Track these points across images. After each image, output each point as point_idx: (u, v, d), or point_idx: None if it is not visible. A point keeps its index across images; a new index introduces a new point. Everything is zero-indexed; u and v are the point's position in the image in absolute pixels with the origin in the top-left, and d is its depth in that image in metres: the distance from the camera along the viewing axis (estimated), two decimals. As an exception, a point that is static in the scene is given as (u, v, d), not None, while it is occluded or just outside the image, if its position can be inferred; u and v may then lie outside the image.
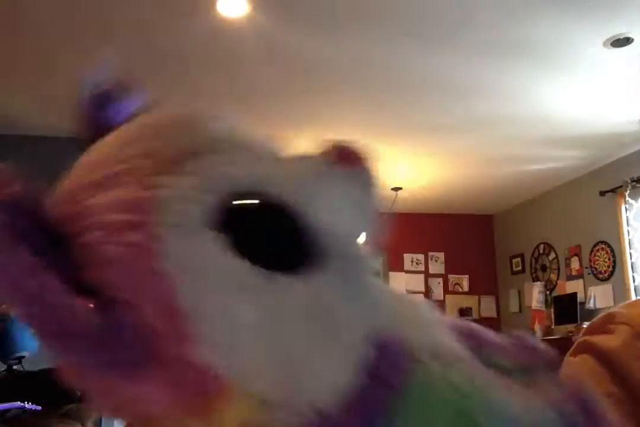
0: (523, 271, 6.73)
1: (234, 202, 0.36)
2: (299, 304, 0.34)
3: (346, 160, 0.42)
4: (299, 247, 0.37)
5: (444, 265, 7.46)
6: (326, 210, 0.38)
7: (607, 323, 0.60)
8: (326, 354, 0.33)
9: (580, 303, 5.48)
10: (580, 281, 5.65)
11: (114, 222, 0.34)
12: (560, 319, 5.74)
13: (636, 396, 0.54)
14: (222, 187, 0.37)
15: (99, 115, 0.43)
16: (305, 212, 0.38)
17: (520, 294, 6.75)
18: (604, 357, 0.57)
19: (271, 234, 0.37)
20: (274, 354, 0.32)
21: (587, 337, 0.60)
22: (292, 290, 0.35)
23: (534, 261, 6.53)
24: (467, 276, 7.22)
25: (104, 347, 0.33)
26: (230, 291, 0.33)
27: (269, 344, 0.33)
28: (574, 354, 0.58)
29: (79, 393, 3.33)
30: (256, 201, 0.37)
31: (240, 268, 0.34)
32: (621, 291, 4.93)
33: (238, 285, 0.33)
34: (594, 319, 0.63)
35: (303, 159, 0.41)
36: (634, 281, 4.91)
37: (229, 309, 0.33)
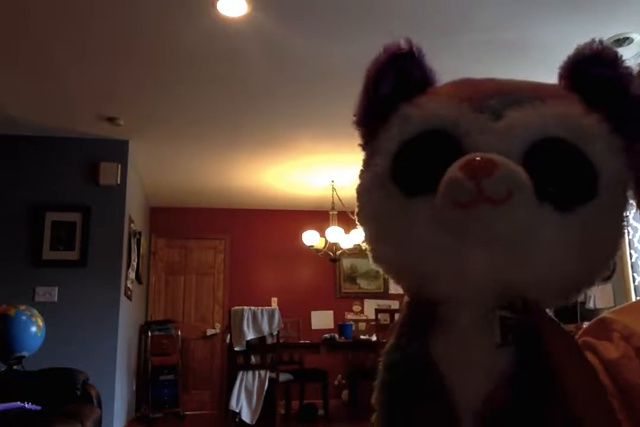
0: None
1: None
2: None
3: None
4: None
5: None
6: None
7: (603, 330, 0.60)
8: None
9: (581, 303, 5.48)
10: (580, 281, 5.64)
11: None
12: (560, 319, 5.63)
13: (627, 395, 0.55)
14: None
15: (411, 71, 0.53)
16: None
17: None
18: (603, 362, 0.57)
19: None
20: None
21: (589, 339, 0.61)
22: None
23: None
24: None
25: None
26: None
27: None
28: None
29: (78, 393, 3.33)
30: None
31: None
32: (621, 291, 4.93)
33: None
34: (588, 324, 0.63)
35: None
36: (634, 281, 4.91)
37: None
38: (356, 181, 0.55)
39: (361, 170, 0.53)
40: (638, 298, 4.79)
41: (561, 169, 0.45)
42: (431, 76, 0.53)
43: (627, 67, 0.50)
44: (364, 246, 0.53)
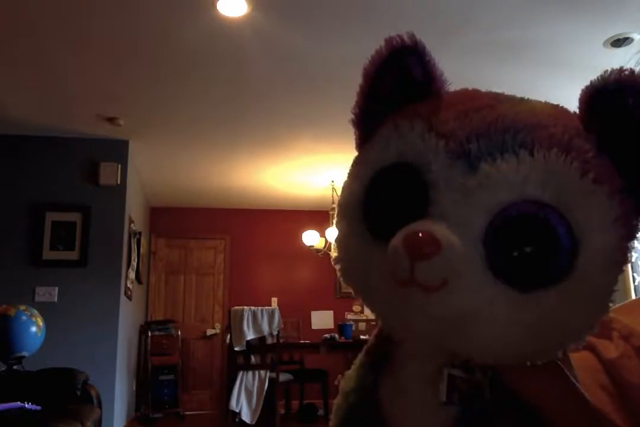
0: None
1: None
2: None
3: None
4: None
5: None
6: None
7: (602, 328, 0.60)
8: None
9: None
10: (580, 281, 5.65)
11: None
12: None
13: (626, 395, 0.55)
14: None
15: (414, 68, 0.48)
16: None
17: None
18: (603, 362, 0.57)
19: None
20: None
21: (588, 337, 0.61)
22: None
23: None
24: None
25: None
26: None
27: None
28: (575, 350, 0.58)
29: (78, 393, 3.33)
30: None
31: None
32: (621, 290, 4.93)
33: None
34: None
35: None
36: (634, 281, 4.91)
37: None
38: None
39: (345, 182, 0.49)
40: (638, 296, 4.79)
41: (530, 242, 0.38)
42: (436, 76, 0.48)
43: None
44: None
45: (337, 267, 0.48)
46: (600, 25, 3.26)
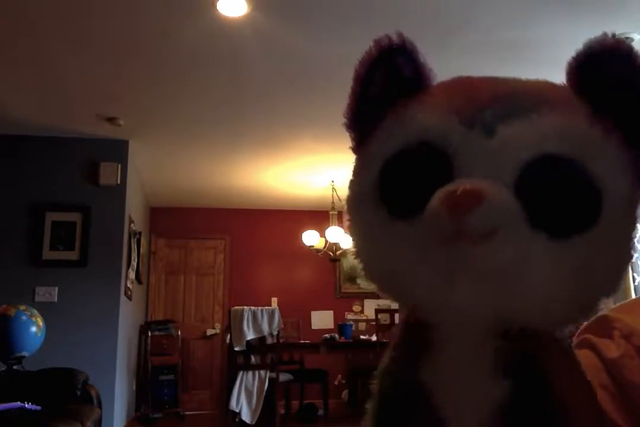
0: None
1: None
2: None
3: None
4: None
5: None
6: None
7: (603, 327, 0.60)
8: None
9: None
10: (580, 281, 5.65)
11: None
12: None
13: (627, 394, 0.55)
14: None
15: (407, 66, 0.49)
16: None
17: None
18: (604, 361, 0.57)
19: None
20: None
21: (589, 336, 0.61)
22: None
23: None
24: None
25: None
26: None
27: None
28: (576, 348, 0.58)
29: (78, 393, 3.32)
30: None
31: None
32: (621, 290, 4.94)
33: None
34: (589, 322, 0.63)
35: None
36: (634, 281, 4.91)
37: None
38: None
39: (351, 181, 0.50)
40: (639, 295, 4.79)
41: (558, 192, 0.40)
42: (426, 73, 0.49)
43: None
44: (356, 261, 0.51)
45: (359, 260, 0.48)
46: (600, 25, 3.26)
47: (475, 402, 0.44)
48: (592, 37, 0.47)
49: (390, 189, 0.44)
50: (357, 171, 0.49)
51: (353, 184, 0.49)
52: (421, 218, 0.40)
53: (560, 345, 0.45)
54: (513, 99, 0.45)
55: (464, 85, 0.48)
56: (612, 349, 0.58)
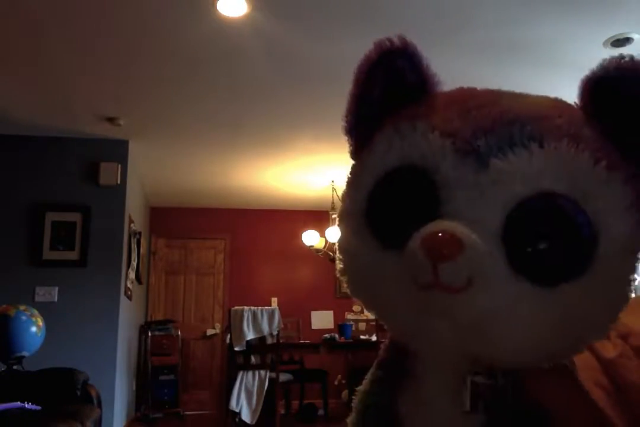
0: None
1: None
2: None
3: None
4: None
5: (444, 265, 7.46)
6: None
7: None
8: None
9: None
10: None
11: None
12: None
13: (624, 393, 0.55)
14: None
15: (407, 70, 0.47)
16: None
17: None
18: (601, 361, 0.57)
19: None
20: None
21: None
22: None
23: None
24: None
25: None
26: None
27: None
28: None
29: (78, 393, 3.32)
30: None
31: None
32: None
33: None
34: None
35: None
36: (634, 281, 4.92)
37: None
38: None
39: (344, 192, 0.48)
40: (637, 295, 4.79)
41: (549, 237, 0.37)
42: (429, 78, 0.47)
43: None
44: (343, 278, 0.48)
45: (344, 279, 0.46)
46: (600, 25, 3.26)
47: None
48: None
49: (378, 215, 0.42)
50: (350, 184, 0.48)
51: (345, 199, 0.48)
52: (402, 255, 0.38)
53: (551, 371, 0.43)
54: (515, 125, 0.40)
55: (466, 102, 0.44)
56: (609, 349, 0.58)
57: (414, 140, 0.42)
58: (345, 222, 0.47)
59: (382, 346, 0.53)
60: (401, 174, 0.42)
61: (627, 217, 0.39)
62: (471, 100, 0.44)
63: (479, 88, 0.48)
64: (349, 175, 0.49)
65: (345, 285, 0.47)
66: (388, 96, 0.46)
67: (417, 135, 0.42)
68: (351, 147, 0.50)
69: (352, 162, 0.50)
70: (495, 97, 0.45)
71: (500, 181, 0.38)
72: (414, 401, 0.44)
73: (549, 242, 0.37)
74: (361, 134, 0.48)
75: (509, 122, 0.40)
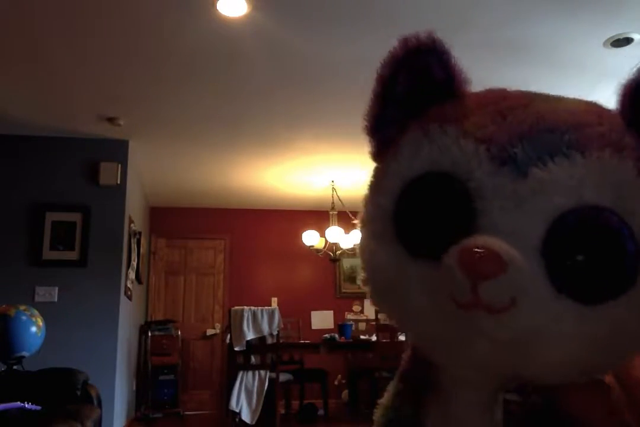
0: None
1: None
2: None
3: None
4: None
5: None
6: None
7: None
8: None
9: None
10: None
11: None
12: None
13: (631, 391, 0.55)
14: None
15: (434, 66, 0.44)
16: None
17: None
18: None
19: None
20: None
21: None
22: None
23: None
24: (467, 276, 7.23)
25: None
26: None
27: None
28: None
29: (78, 393, 3.32)
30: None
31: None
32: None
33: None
34: None
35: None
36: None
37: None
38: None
39: (367, 197, 0.45)
40: None
41: (592, 252, 0.35)
42: (457, 75, 0.45)
43: None
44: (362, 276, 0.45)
45: (367, 288, 0.44)
46: (600, 25, 3.26)
47: None
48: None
49: (406, 224, 0.40)
50: (374, 188, 0.45)
51: (368, 203, 0.45)
52: (437, 269, 0.36)
53: (588, 387, 0.41)
54: (554, 132, 0.38)
55: (498, 105, 0.42)
56: None
57: (444, 145, 0.40)
58: (368, 228, 0.45)
59: (403, 356, 0.50)
60: (431, 180, 0.39)
61: None
62: (503, 103, 0.42)
63: (509, 89, 0.46)
64: (372, 179, 0.46)
65: (366, 293, 0.45)
66: (414, 96, 0.44)
67: (448, 140, 0.40)
68: (373, 149, 0.47)
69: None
70: (528, 99, 0.43)
71: (540, 192, 0.36)
72: (442, 416, 0.42)
73: (592, 257, 0.35)
74: (384, 135, 0.46)
75: (547, 129, 0.38)
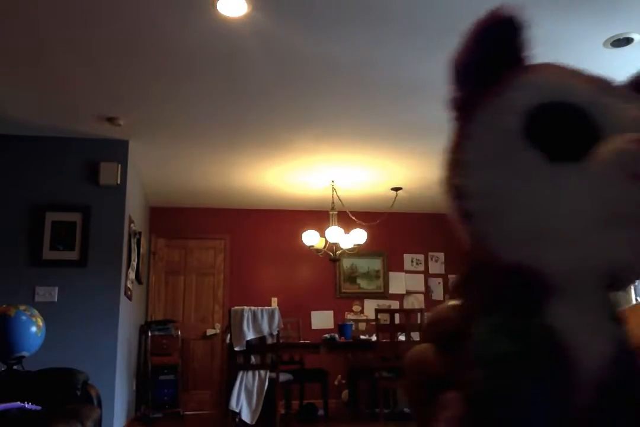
0: (523, 271, 6.72)
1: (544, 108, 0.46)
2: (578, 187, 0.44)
3: None
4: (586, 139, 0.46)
5: (444, 265, 7.45)
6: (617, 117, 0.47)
7: None
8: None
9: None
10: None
11: None
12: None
13: None
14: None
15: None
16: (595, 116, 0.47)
17: (520, 294, 6.74)
18: None
19: (566, 128, 0.45)
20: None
21: None
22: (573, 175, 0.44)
23: (534, 261, 6.52)
24: (467, 276, 7.22)
25: None
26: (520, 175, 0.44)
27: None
28: None
29: (78, 393, 3.32)
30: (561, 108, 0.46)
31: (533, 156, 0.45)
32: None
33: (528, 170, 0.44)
34: None
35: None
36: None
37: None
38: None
39: (461, 137, 0.52)
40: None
41: None
42: (528, 49, 0.57)
43: None
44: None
45: (492, 209, 0.49)
46: (600, 25, 3.26)
47: (605, 338, 0.47)
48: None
49: (544, 132, 0.47)
50: (485, 119, 0.51)
51: (474, 137, 0.51)
52: (603, 159, 0.43)
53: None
54: (613, 86, 0.53)
55: (566, 69, 0.55)
56: None
57: (561, 83, 0.50)
58: (486, 150, 0.50)
59: (465, 284, 0.55)
60: (558, 106, 0.48)
61: None
62: (566, 69, 0.57)
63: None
64: (459, 129, 0.54)
65: (490, 216, 0.50)
66: (493, 59, 0.55)
67: (562, 79, 0.50)
68: (457, 95, 0.56)
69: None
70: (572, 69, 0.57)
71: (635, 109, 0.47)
72: (571, 314, 0.47)
73: None
74: (469, 84, 0.54)
75: (609, 84, 0.52)
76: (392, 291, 7.31)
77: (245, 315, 5.28)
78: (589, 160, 0.43)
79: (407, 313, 5.54)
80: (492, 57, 0.54)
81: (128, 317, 5.16)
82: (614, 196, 0.42)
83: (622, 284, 0.46)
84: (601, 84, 0.50)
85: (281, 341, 5.45)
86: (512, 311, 0.48)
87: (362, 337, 6.12)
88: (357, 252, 6.31)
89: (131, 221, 5.12)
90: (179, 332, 6.42)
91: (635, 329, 0.61)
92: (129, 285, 5.02)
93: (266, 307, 5.48)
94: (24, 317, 3.38)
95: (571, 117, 0.46)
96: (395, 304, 7.15)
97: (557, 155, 0.45)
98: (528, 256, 0.47)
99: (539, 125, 0.46)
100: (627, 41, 3.39)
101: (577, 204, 0.43)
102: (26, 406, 2.71)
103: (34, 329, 3.40)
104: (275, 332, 5.31)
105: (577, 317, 0.46)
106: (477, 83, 0.53)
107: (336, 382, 6.73)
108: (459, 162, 0.51)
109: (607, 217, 0.42)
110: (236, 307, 5.42)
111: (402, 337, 5.37)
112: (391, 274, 7.37)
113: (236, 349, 5.23)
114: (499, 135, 0.48)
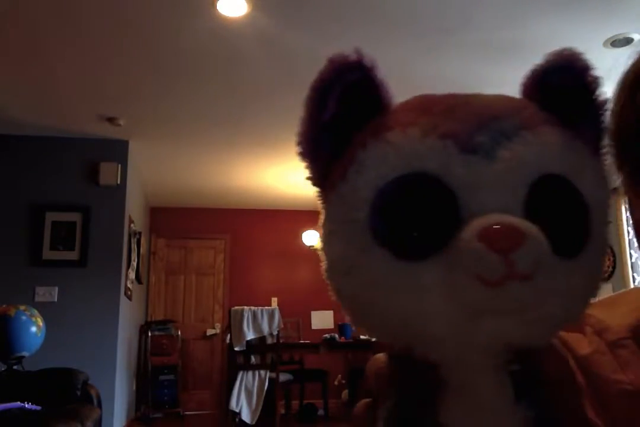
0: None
1: None
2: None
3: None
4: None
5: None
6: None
7: (575, 323, 0.61)
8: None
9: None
10: (580, 281, 5.65)
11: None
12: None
13: (598, 389, 0.56)
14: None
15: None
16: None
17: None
18: (576, 358, 0.58)
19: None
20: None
21: (561, 333, 0.61)
22: None
23: (534, 261, 6.52)
24: (467, 276, 7.24)
25: None
26: None
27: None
28: None
29: (78, 393, 3.33)
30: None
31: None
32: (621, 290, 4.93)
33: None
34: None
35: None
36: (634, 281, 4.91)
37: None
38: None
39: (324, 228, 0.45)
40: (618, 292, 4.79)
41: (562, 213, 0.39)
42: (386, 95, 0.46)
43: (597, 77, 0.47)
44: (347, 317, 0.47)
45: (351, 310, 0.44)
46: (600, 25, 3.26)
47: None
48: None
49: (391, 229, 0.40)
50: (332, 210, 0.45)
51: (330, 234, 0.45)
52: (447, 258, 0.37)
53: (550, 347, 0.46)
54: (502, 118, 0.42)
55: (441, 105, 0.44)
56: (584, 345, 0.58)
57: (410, 148, 0.41)
58: (336, 240, 0.44)
59: (371, 381, 0.50)
60: (408, 181, 0.40)
61: (605, 188, 0.43)
62: (443, 103, 0.45)
63: (434, 94, 0.48)
64: (327, 204, 0.46)
65: (345, 313, 0.44)
66: (347, 114, 0.45)
67: (412, 141, 0.41)
68: (313, 173, 0.48)
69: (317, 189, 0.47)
70: (461, 97, 0.46)
71: (511, 168, 0.39)
72: (463, 409, 0.42)
73: (563, 219, 0.39)
74: (323, 157, 0.47)
75: (495, 117, 0.42)
76: (392, 291, 7.32)
77: (245, 315, 5.28)
78: (445, 254, 0.37)
79: (407, 313, 5.54)
80: (342, 118, 0.45)
81: (128, 317, 5.16)
82: (467, 300, 0.38)
83: (523, 357, 0.42)
84: (483, 117, 0.41)
85: (281, 341, 5.45)
86: (409, 403, 0.45)
87: (362, 337, 6.11)
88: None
89: (131, 221, 5.12)
90: (179, 332, 6.43)
91: (618, 319, 0.60)
92: (129, 285, 5.03)
93: (266, 307, 5.48)
94: (24, 317, 3.38)
95: (425, 193, 0.39)
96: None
97: (406, 253, 0.39)
98: (406, 349, 0.43)
99: (381, 217, 0.40)
100: (627, 41, 3.39)
101: (435, 304, 0.39)
102: (26, 406, 2.71)
103: (34, 329, 3.40)
104: (275, 332, 5.31)
105: (473, 413, 0.42)
106: (331, 155, 0.46)
107: (336, 382, 6.73)
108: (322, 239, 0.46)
109: (470, 313, 0.38)
110: (236, 307, 5.42)
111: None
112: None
113: (236, 349, 5.23)
114: (348, 227, 0.43)
